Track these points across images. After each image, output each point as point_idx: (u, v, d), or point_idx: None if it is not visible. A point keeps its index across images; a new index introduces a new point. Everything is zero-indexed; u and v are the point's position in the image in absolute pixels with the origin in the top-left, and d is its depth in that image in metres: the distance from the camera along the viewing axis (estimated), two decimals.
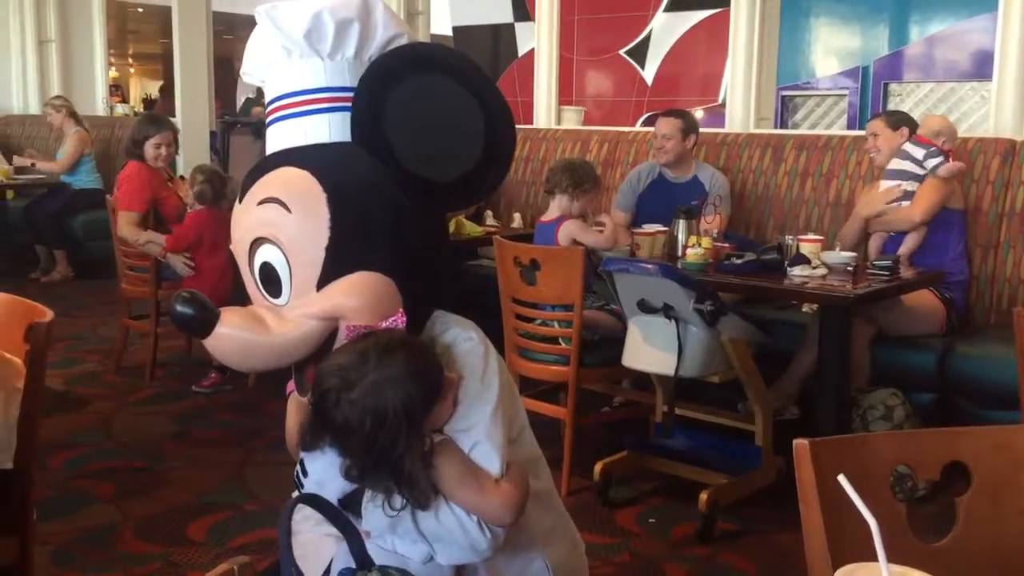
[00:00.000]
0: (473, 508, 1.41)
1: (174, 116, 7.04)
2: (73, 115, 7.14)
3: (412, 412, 1.36)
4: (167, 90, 11.69)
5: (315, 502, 1.37)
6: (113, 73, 13.66)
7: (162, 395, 4.41)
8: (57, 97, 7.47)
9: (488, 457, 1.44)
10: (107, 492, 3.31)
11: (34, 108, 8.70)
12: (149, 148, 4.67)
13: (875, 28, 8.42)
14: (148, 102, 13.18)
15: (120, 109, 9.26)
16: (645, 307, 3.05)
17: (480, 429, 1.45)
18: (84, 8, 8.66)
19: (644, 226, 3.97)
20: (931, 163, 3.70)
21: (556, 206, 3.79)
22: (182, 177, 5.12)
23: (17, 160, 7.40)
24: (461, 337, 1.49)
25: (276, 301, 1.46)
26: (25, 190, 7.38)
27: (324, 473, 1.48)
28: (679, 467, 3.27)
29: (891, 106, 7.96)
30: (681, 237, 3.73)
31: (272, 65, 1.51)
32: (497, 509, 1.41)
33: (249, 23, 1.55)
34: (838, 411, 3.23)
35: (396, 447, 1.35)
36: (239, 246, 1.50)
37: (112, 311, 5.38)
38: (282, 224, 1.42)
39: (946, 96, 7.89)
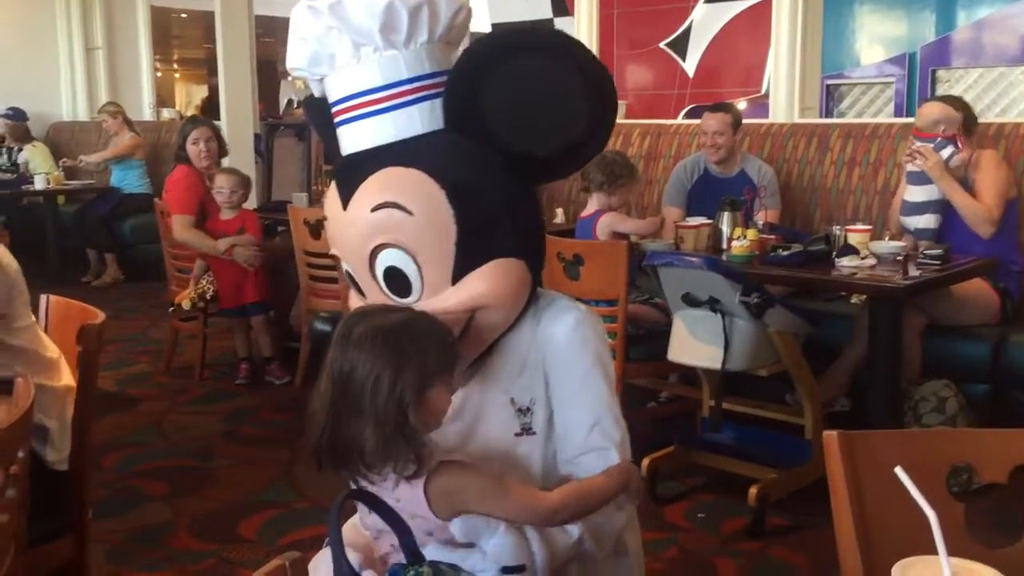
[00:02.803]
0: (508, 515, 1.39)
1: (218, 119, 7.13)
2: (127, 121, 7.31)
3: (426, 366, 1.33)
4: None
5: (364, 497, 1.37)
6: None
7: (211, 395, 4.47)
8: (111, 103, 7.63)
9: (610, 430, 1.47)
10: (160, 491, 3.36)
11: (83, 115, 8.86)
12: (190, 146, 4.74)
13: (921, 14, 8.27)
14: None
15: (166, 114, 9.40)
16: (690, 300, 3.03)
17: (601, 403, 1.47)
18: (129, 15, 8.80)
19: (688, 219, 3.94)
20: (945, 155, 3.58)
21: (594, 201, 3.78)
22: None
23: (67, 162, 7.57)
24: (568, 306, 1.50)
25: (405, 300, 1.44)
26: (75, 195, 7.53)
27: None
28: (728, 462, 3.24)
29: (940, 92, 7.82)
30: (726, 230, 3.69)
31: (336, 59, 1.45)
32: (524, 511, 1.39)
33: (289, 26, 1.52)
34: (890, 403, 3.18)
35: (404, 390, 1.31)
36: (355, 254, 1.46)
37: (162, 313, 5.45)
38: (406, 228, 1.39)
39: (996, 81, 7.72)
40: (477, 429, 1.50)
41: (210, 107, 12.46)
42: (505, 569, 1.39)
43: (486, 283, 1.41)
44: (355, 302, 1.54)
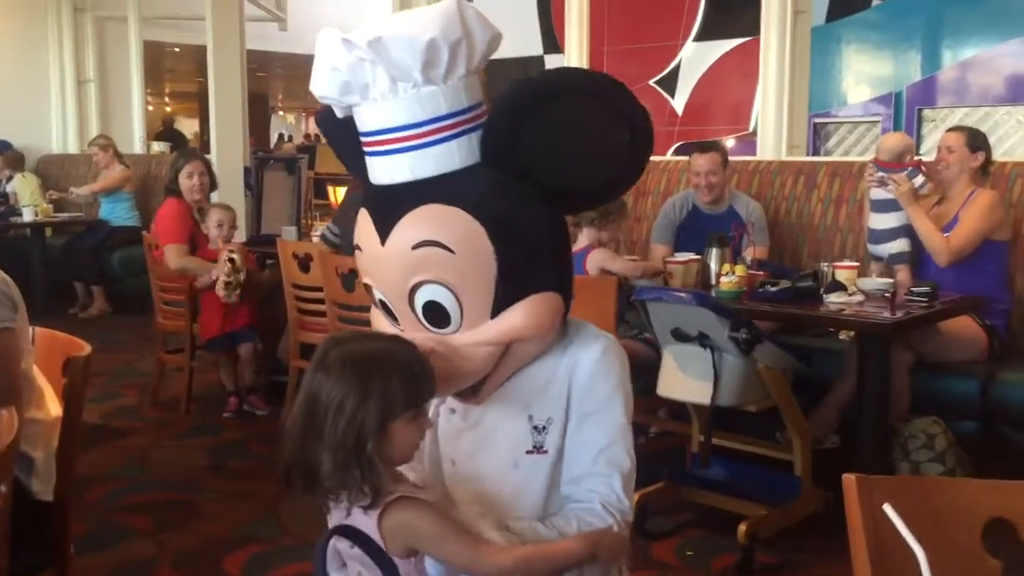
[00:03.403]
0: (456, 564, 1.37)
1: (209, 152, 7.16)
2: (118, 154, 7.33)
3: (390, 397, 1.33)
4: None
5: (350, 534, 1.36)
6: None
7: (198, 428, 4.43)
8: (101, 136, 7.64)
9: (619, 457, 1.49)
10: (144, 525, 3.32)
11: (73, 147, 8.86)
12: (183, 180, 4.75)
13: (907, 54, 8.37)
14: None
15: (156, 147, 9.40)
16: (680, 336, 3.03)
17: (614, 430, 1.50)
18: (122, 48, 8.83)
19: (677, 254, 3.95)
20: (917, 183, 3.66)
21: (584, 236, 3.79)
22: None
23: (55, 194, 7.65)
24: (597, 334, 1.54)
25: (444, 331, 1.46)
26: (63, 227, 7.51)
27: None
28: (717, 498, 3.22)
29: (926, 132, 7.90)
30: (714, 265, 3.70)
31: (369, 90, 1.43)
32: (474, 563, 1.36)
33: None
34: (878, 440, 3.18)
35: (365, 418, 1.31)
36: (394, 288, 1.46)
37: (148, 345, 5.43)
38: (447, 266, 1.41)
39: (981, 121, 7.79)
40: (491, 441, 1.53)
41: (169, 136, 12.52)
42: None
43: (525, 317, 1.45)
44: (384, 327, 1.54)
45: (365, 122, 1.47)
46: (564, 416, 1.51)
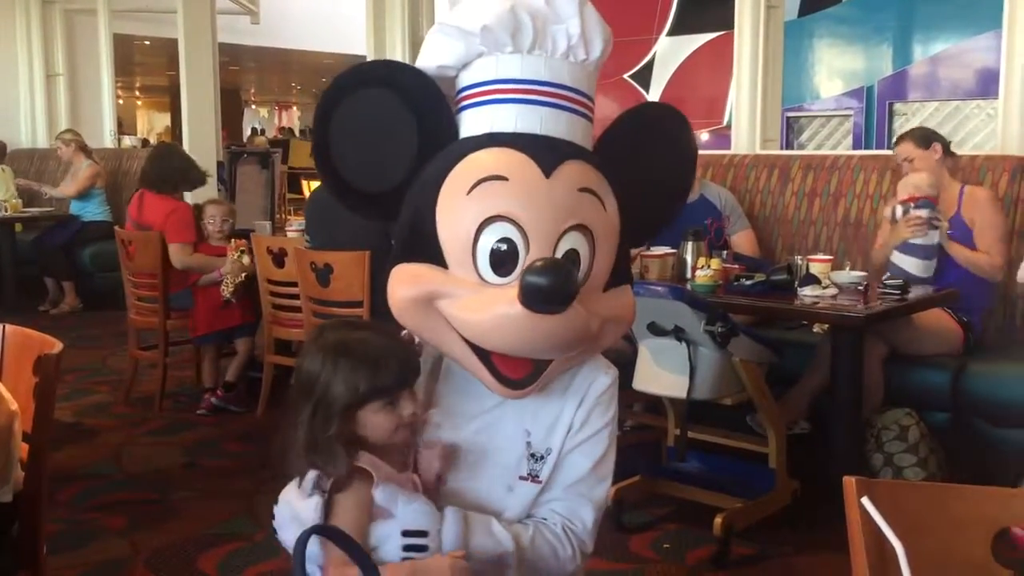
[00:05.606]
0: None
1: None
2: (84, 148, 7.22)
3: (357, 384, 1.37)
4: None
5: (328, 533, 1.35)
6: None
7: (171, 426, 4.40)
8: (67, 131, 7.53)
9: (595, 488, 1.55)
10: (118, 524, 3.29)
11: (42, 142, 8.75)
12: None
13: (879, 48, 8.44)
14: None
15: (128, 141, 9.31)
16: (656, 330, 3.03)
17: (595, 460, 1.54)
18: (91, 42, 8.72)
19: (652, 248, 3.96)
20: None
21: None
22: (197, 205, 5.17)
23: (22, 182, 7.54)
24: (606, 366, 1.58)
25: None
26: (34, 222, 7.43)
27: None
28: (693, 491, 3.24)
29: (897, 126, 7.97)
30: (690, 259, 3.72)
31: (541, 35, 1.47)
32: None
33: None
34: (852, 431, 3.21)
35: (331, 404, 1.37)
36: (549, 223, 1.41)
37: (121, 342, 5.38)
38: (598, 218, 1.46)
39: (951, 115, 7.89)
40: (482, 462, 1.51)
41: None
42: (406, 532, 1.38)
43: (628, 300, 1.52)
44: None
45: (525, 70, 1.49)
46: (561, 446, 1.52)
